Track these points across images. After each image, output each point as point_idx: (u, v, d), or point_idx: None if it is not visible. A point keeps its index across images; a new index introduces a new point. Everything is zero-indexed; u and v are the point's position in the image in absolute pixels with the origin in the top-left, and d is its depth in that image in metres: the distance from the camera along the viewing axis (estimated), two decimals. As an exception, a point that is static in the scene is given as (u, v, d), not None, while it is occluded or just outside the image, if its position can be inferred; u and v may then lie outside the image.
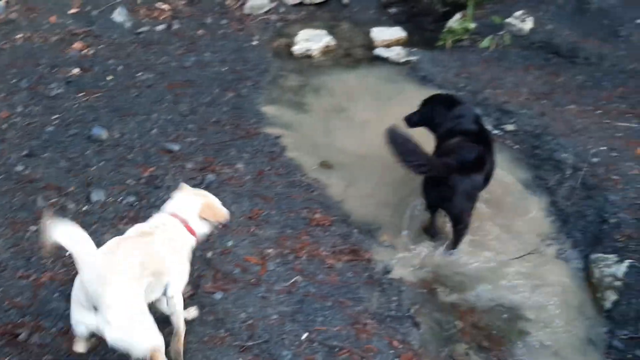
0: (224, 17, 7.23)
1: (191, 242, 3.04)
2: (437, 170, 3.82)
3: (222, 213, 3.15)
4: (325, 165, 4.98)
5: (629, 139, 4.99)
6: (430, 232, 4.36)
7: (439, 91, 5.87)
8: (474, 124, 4.33)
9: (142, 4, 6.95)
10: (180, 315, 2.97)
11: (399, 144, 3.77)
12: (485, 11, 7.28)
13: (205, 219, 3.06)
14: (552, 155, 4.89)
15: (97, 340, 2.78)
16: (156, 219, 3.02)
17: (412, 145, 3.75)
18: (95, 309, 2.46)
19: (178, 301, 2.94)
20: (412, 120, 4.69)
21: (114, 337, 2.48)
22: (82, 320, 2.57)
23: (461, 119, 4.35)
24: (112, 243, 2.77)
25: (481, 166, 4.00)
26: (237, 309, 3.39)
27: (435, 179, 3.90)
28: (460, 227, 4.07)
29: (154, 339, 2.62)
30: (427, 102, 4.68)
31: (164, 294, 2.89)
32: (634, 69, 5.83)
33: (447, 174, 3.82)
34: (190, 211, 3.03)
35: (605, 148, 4.85)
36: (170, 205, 3.09)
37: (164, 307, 2.97)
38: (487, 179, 4.14)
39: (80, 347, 2.75)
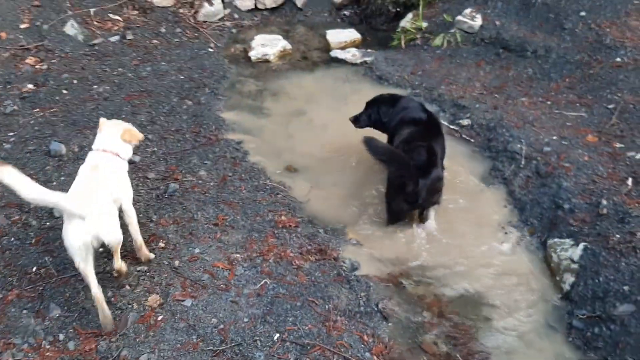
0: (178, 25, 7.21)
1: (125, 166, 3.73)
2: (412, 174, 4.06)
3: (138, 134, 3.85)
4: (290, 169, 5.04)
5: (578, 128, 5.21)
6: (392, 221, 4.48)
7: (395, 90, 6.04)
8: (420, 111, 4.64)
9: (94, 15, 6.85)
10: (136, 224, 3.69)
11: (381, 152, 4.13)
12: (435, 10, 7.46)
13: (127, 141, 3.72)
14: (507, 146, 5.05)
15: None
16: (94, 157, 3.57)
17: (395, 152, 4.15)
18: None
19: (132, 213, 3.68)
20: (360, 122, 4.96)
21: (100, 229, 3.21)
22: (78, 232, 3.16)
23: (407, 110, 4.65)
24: (85, 179, 3.42)
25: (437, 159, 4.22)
26: (207, 315, 3.41)
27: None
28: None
29: (120, 234, 3.38)
30: (371, 104, 4.92)
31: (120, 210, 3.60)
32: (580, 59, 6.07)
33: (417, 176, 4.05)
34: (116, 142, 3.66)
35: (556, 137, 5.05)
36: (99, 143, 3.64)
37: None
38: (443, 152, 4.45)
39: (95, 288, 3.30)
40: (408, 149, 4.22)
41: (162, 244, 3.88)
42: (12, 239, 3.95)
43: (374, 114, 4.87)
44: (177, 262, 3.75)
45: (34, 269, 3.70)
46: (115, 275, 3.52)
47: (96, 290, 3.26)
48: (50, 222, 4.09)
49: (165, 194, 4.36)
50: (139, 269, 3.69)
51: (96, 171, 3.46)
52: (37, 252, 3.81)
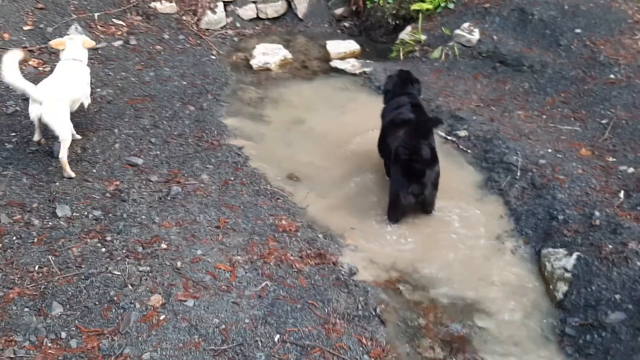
0: (181, 32, 7.30)
1: (87, 70, 5.00)
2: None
3: (92, 42, 5.13)
4: (292, 177, 5.12)
5: (572, 141, 5.33)
6: (396, 217, 4.65)
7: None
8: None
9: (98, 20, 6.93)
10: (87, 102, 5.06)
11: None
12: (434, 23, 7.60)
13: (86, 48, 5.00)
14: (503, 158, 5.16)
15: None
16: (67, 64, 4.83)
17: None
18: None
19: (88, 104, 5.12)
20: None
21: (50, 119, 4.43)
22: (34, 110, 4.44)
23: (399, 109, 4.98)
24: (51, 79, 4.67)
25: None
26: (209, 315, 3.46)
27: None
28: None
29: (61, 123, 4.51)
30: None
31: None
32: (575, 75, 6.22)
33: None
34: (79, 51, 4.91)
35: (551, 150, 5.16)
36: (68, 53, 4.87)
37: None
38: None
39: (36, 136, 4.70)
40: (412, 145, 4.44)
41: (164, 246, 3.92)
42: (14, 237, 3.96)
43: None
44: (179, 263, 3.80)
45: (36, 267, 3.72)
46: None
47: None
48: (52, 221, 4.12)
49: (168, 197, 4.42)
50: (141, 269, 3.73)
51: (62, 75, 4.70)
52: (40, 251, 3.83)
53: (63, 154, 4.50)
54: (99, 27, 6.88)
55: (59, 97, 4.50)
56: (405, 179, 4.48)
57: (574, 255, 4.03)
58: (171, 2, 7.58)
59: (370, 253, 4.35)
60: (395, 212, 4.63)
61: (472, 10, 7.48)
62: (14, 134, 5.07)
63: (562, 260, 4.07)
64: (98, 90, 5.84)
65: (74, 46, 4.89)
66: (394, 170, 4.66)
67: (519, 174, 4.96)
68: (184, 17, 7.54)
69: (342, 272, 4.00)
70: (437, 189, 4.62)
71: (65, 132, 4.51)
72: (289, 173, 5.15)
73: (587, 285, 3.85)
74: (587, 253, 4.02)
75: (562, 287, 3.94)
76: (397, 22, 8.28)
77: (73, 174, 4.55)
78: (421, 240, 4.52)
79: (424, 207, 4.70)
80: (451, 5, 7.76)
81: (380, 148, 5.08)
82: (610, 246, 3.98)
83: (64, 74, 4.74)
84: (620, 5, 6.98)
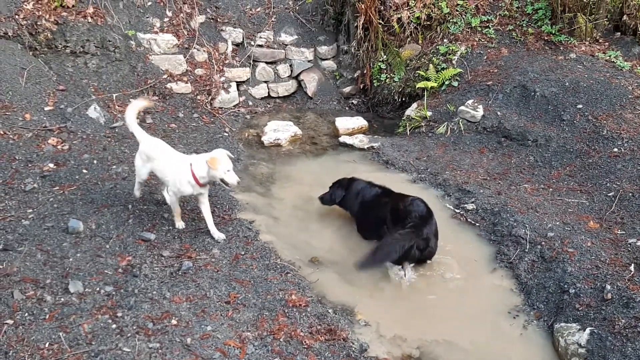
0: (196, 111, 7.58)
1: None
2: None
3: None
4: (314, 260, 5.08)
5: (580, 214, 5.37)
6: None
7: (401, 174, 6.27)
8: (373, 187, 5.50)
9: (116, 100, 7.23)
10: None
11: (379, 260, 4.72)
12: (439, 100, 7.84)
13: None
14: (512, 231, 5.19)
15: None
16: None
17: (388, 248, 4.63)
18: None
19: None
20: (325, 200, 5.74)
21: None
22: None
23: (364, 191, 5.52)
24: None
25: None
26: (218, 394, 3.42)
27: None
28: None
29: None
30: (333, 185, 5.77)
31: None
32: (579, 149, 6.33)
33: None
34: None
35: (559, 223, 5.20)
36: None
37: None
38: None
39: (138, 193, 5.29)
40: (404, 209, 4.89)
41: (174, 321, 3.92)
42: (26, 314, 3.98)
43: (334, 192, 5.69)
44: (189, 340, 3.79)
45: (47, 344, 3.71)
46: None
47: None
48: (65, 297, 4.16)
49: (179, 272, 4.46)
50: (151, 345, 3.71)
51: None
52: (51, 328, 3.83)
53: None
54: (116, 106, 7.17)
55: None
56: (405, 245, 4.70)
57: (588, 330, 3.98)
58: (186, 82, 7.93)
59: (381, 329, 4.31)
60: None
61: (476, 88, 7.74)
62: (30, 210, 5.19)
63: (576, 336, 4.01)
64: (114, 167, 6.02)
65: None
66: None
67: (528, 247, 4.98)
68: (198, 97, 7.85)
69: (353, 349, 3.96)
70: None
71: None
72: (315, 259, 5.13)
73: (602, 362, 3.77)
74: (600, 328, 3.97)
75: (577, 364, 3.87)
76: (403, 99, 8.57)
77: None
78: (433, 316, 4.49)
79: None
80: (455, 83, 8.03)
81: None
82: (624, 320, 3.94)
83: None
84: (620, 81, 7.18)
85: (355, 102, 9.02)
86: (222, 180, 4.67)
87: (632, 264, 4.48)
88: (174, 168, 4.82)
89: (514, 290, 4.74)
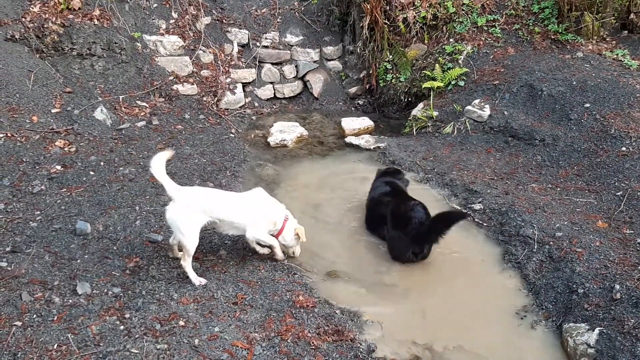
0: (202, 112, 7.59)
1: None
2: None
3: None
4: (332, 275, 4.95)
5: (588, 213, 5.33)
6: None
7: (408, 174, 6.26)
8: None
9: (122, 102, 7.25)
10: None
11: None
12: (445, 100, 7.82)
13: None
14: (519, 231, 5.16)
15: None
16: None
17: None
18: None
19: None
20: None
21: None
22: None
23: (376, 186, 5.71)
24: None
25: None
26: (226, 395, 3.42)
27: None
28: None
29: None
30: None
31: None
32: (587, 148, 6.29)
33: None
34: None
35: (567, 222, 5.16)
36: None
37: None
38: None
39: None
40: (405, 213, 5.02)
41: (182, 323, 3.92)
42: (35, 315, 3.99)
43: None
44: (196, 341, 3.79)
45: (55, 346, 3.72)
46: None
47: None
48: (73, 299, 4.17)
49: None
50: (159, 347, 3.71)
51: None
52: (59, 329, 3.85)
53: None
54: (123, 108, 7.19)
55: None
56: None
57: (597, 331, 3.95)
58: (192, 84, 7.94)
59: (389, 328, 4.29)
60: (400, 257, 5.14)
61: (482, 87, 7.71)
62: (38, 212, 5.22)
63: (585, 336, 3.99)
64: (121, 169, 6.03)
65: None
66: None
67: (536, 247, 4.95)
68: (204, 98, 7.86)
69: (361, 350, 3.94)
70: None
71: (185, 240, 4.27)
72: (334, 273, 4.99)
73: (612, 362, 3.75)
74: (609, 328, 3.94)
75: (586, 364, 3.85)
76: (410, 99, 8.55)
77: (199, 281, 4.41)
78: (441, 317, 4.46)
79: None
80: (461, 83, 8.01)
81: None
82: (633, 320, 3.90)
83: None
84: (627, 80, 7.14)
85: (361, 102, 9.01)
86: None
87: (642, 264, 4.45)
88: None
89: (522, 290, 4.71)
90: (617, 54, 7.84)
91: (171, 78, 7.85)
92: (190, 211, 4.27)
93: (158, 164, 4.24)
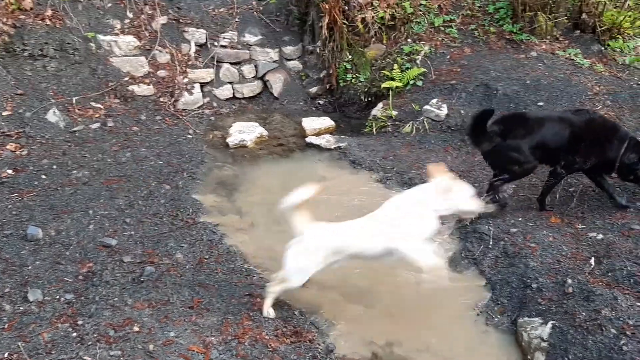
0: (158, 113, 7.47)
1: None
2: None
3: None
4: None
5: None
6: None
7: (368, 173, 6.28)
8: None
9: (76, 104, 7.07)
10: None
11: None
12: (404, 100, 7.89)
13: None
14: (476, 227, 5.24)
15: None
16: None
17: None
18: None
19: None
20: None
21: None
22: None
23: None
24: None
25: None
26: (182, 400, 3.37)
27: None
28: None
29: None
30: None
31: None
32: (541, 146, 6.42)
33: None
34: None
35: (521, 219, 5.27)
36: None
37: None
38: None
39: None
40: None
41: (136, 328, 3.84)
42: (-16, 324, 3.89)
43: None
44: (151, 346, 3.71)
45: (6, 354, 3.61)
46: None
47: None
48: (24, 306, 4.05)
49: (141, 277, 4.38)
50: (112, 353, 3.63)
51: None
52: (10, 338, 3.73)
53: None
54: (76, 110, 7.02)
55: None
56: None
57: (549, 324, 4.03)
58: (149, 85, 7.81)
59: (348, 328, 4.30)
60: None
61: (440, 87, 7.81)
62: (-14, 218, 5.06)
63: (538, 330, 4.06)
64: (74, 172, 5.90)
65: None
66: None
67: (491, 243, 5.03)
68: (161, 99, 7.74)
69: (319, 350, 3.94)
70: None
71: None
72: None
73: (564, 355, 3.81)
74: (561, 321, 4.02)
75: (540, 358, 3.91)
76: (369, 99, 8.60)
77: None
78: (397, 314, 4.49)
79: None
80: (420, 83, 8.10)
81: None
82: (584, 314, 4.00)
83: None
84: (579, 79, 7.34)
85: (321, 102, 9.02)
86: None
87: (592, 258, 4.56)
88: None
89: (479, 286, 4.78)
90: (569, 53, 8.05)
91: (126, 79, 7.70)
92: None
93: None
